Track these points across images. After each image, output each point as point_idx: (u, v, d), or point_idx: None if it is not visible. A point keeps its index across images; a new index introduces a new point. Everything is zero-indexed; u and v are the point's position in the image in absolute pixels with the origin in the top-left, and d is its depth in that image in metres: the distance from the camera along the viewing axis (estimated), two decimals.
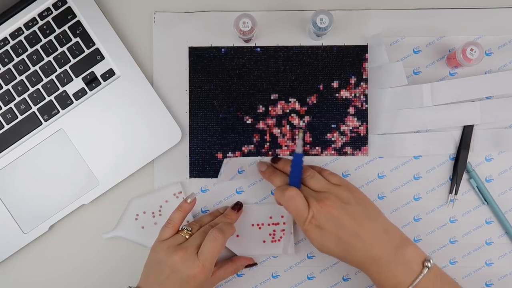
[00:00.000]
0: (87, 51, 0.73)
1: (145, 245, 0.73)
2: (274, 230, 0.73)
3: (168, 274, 0.64)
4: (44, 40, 0.73)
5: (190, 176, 0.74)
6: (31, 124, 0.73)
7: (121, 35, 0.74)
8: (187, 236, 0.66)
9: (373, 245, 0.63)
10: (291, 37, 0.74)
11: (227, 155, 0.74)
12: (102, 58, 0.73)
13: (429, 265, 0.62)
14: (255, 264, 0.74)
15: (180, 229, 0.67)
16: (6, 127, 0.73)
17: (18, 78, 0.73)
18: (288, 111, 0.74)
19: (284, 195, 0.65)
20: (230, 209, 0.72)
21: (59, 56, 0.73)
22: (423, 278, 0.61)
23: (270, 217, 0.73)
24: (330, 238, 0.64)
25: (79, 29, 0.73)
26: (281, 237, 0.73)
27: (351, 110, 0.74)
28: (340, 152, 0.74)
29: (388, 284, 0.62)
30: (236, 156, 0.74)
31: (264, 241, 0.73)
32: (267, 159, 0.73)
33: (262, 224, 0.73)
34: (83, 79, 0.73)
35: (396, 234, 0.65)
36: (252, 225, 0.73)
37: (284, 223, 0.73)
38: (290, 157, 0.71)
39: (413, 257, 0.63)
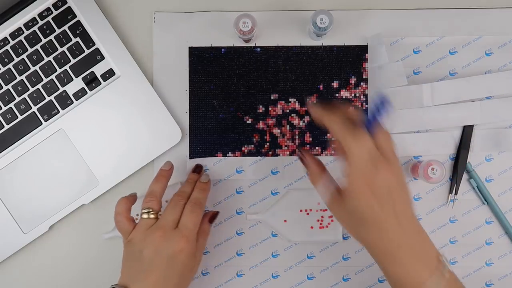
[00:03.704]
0: (87, 51, 0.73)
1: None
2: (322, 217, 0.73)
3: (151, 257, 0.62)
4: (44, 40, 0.73)
5: None
6: (31, 124, 0.73)
7: (121, 35, 0.74)
8: (152, 216, 0.64)
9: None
10: (291, 37, 0.74)
11: (227, 155, 0.74)
12: (102, 58, 0.73)
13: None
14: (217, 213, 0.71)
15: (139, 215, 0.65)
16: (6, 127, 0.73)
17: (18, 78, 0.73)
18: (288, 111, 0.74)
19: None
20: (192, 173, 0.72)
21: (59, 56, 0.73)
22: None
23: (318, 203, 0.73)
24: None
25: (79, 29, 0.73)
26: (329, 224, 0.73)
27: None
28: None
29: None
30: (236, 156, 0.74)
31: (312, 227, 0.73)
32: (278, 158, 0.73)
33: (310, 210, 0.73)
34: (83, 79, 0.73)
35: None
36: (300, 210, 0.73)
37: None
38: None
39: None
